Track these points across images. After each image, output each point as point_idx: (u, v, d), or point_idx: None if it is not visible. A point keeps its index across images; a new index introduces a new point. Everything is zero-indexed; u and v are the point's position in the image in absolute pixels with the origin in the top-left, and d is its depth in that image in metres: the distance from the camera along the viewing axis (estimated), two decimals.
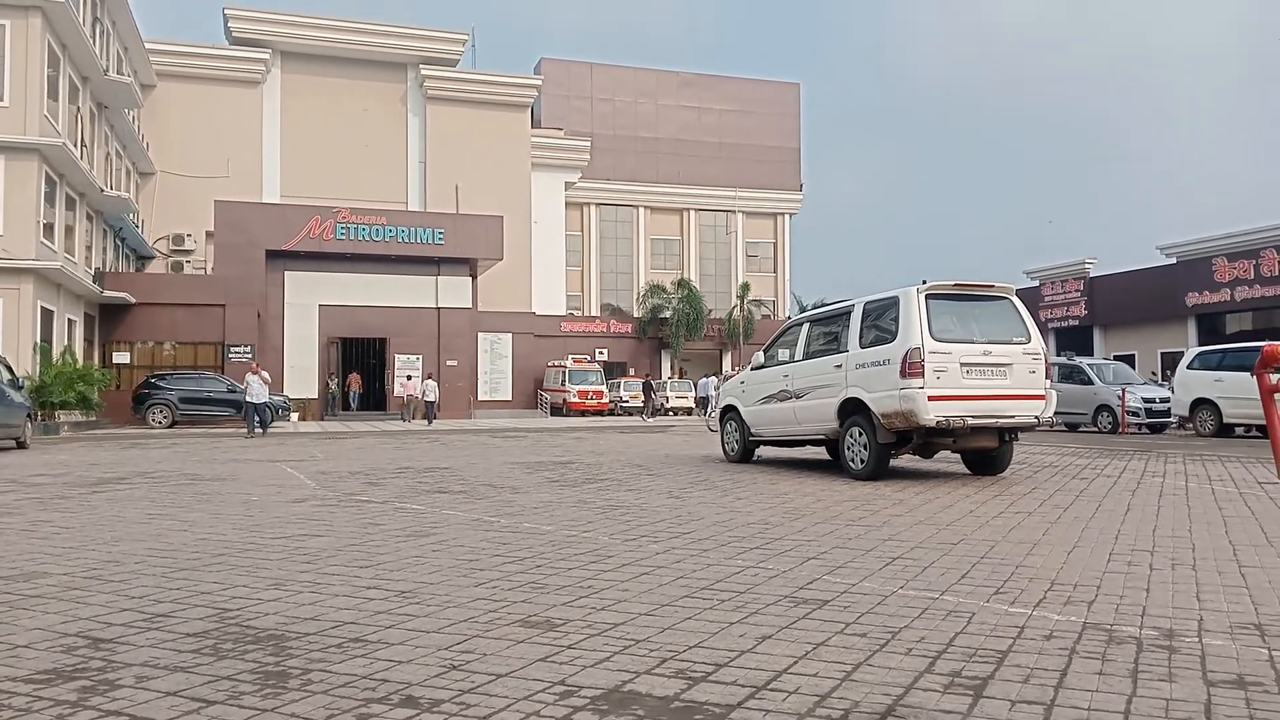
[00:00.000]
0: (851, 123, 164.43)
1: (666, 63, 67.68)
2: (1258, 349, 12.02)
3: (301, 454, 15.29)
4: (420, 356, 34.95)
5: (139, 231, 35.13)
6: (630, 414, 39.86)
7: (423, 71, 42.18)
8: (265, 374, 23.20)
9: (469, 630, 3.70)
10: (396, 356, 34.95)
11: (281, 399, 28.49)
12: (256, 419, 22.92)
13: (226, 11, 40.06)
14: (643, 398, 39.38)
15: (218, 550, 5.71)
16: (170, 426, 26.86)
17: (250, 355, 30.97)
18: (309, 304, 33.95)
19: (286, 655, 3.38)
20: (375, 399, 36.25)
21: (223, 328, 31.41)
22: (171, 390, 27.55)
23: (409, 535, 6.23)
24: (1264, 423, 9.73)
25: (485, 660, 3.27)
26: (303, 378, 33.82)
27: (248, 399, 23.01)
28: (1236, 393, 17.82)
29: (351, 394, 36.14)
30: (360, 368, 36.54)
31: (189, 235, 36.97)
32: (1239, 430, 19.48)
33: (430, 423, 30.60)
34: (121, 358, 31.05)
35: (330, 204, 34.80)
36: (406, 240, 34.31)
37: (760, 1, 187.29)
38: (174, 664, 3.27)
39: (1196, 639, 3.50)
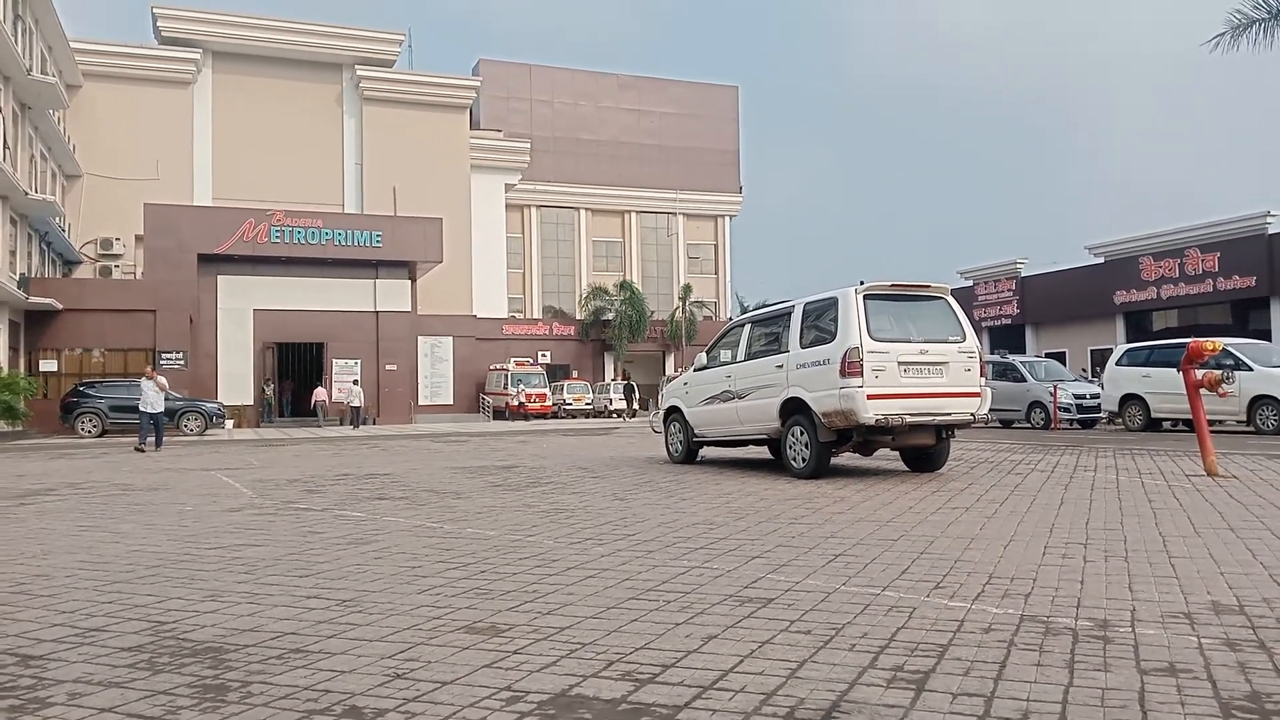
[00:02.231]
0: (792, 125, 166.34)
1: (609, 65, 67.80)
2: (1183, 345, 12.43)
3: (237, 462, 14.99)
4: (359, 361, 34.53)
5: (65, 236, 34.13)
6: (574, 416, 39.81)
7: (358, 72, 41.66)
8: (162, 379, 19.81)
9: (413, 638, 3.66)
10: (334, 361, 34.47)
11: (215, 405, 27.90)
12: (151, 431, 19.35)
13: (155, 10, 39.13)
14: (625, 400, 40.04)
15: (152, 562, 5.58)
16: (100, 436, 26.14)
17: (183, 362, 30.29)
18: (243, 309, 33.32)
19: (225, 667, 3.31)
20: (313, 406, 35.66)
21: (154, 334, 30.65)
22: (101, 398, 26.78)
23: (349, 543, 6.14)
24: (1190, 417, 10.05)
25: (430, 668, 3.24)
26: (238, 384, 33.18)
27: (141, 408, 19.42)
28: (1163, 388, 18.35)
29: (286, 401, 35.59)
30: (297, 373, 35.92)
31: (118, 239, 36.00)
32: (1166, 424, 20.06)
33: (356, 428, 30.36)
34: (49, 366, 30.14)
35: (264, 206, 34.21)
36: (343, 243, 33.86)
37: (703, 5, 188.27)
38: (108, 679, 3.18)
39: (1129, 629, 3.59)
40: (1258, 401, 17.48)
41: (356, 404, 31.84)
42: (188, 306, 31.42)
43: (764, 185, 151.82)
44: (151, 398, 19.16)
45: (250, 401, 33.54)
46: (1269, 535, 5.68)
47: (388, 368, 34.89)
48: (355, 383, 32.77)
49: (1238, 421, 18.02)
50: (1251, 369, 17.62)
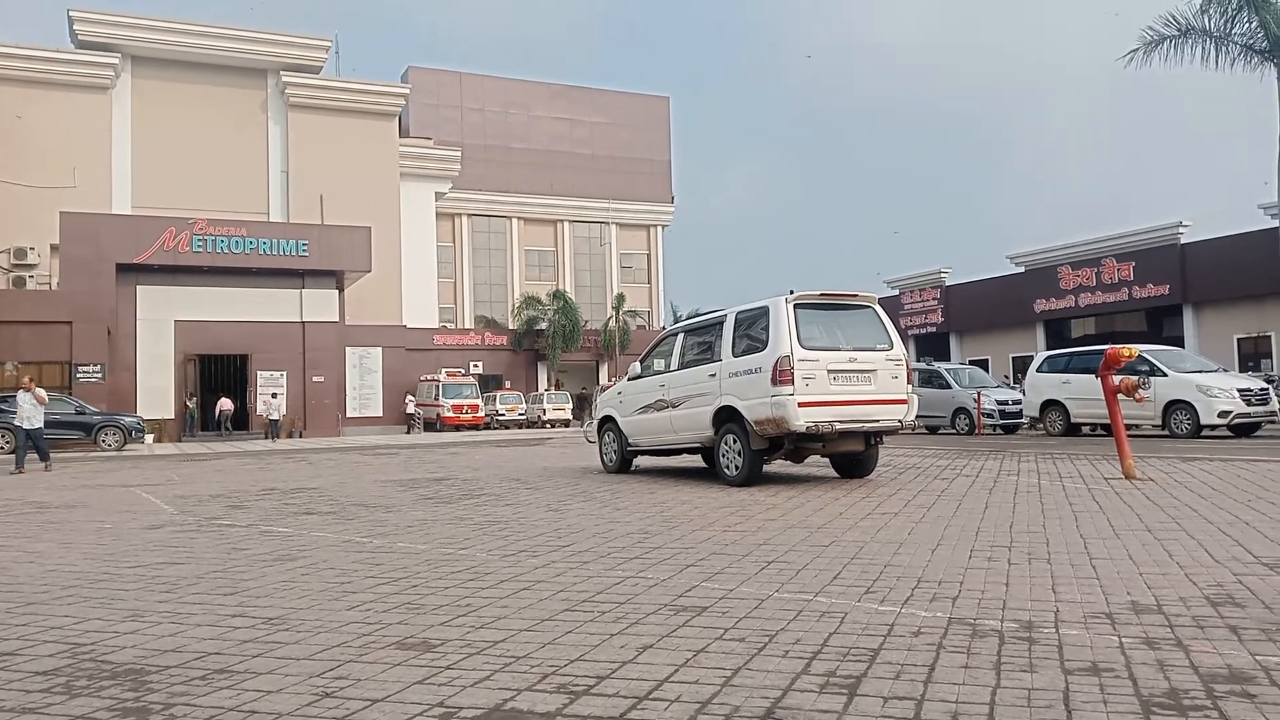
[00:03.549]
0: (727, 138, 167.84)
1: (547, 75, 67.57)
2: (1101, 352, 12.80)
3: (157, 477, 14.57)
4: (284, 373, 33.80)
5: None
6: (507, 427, 39.55)
7: (284, 78, 40.93)
8: (41, 391, 18.15)
9: (342, 655, 3.59)
10: (259, 373, 33.69)
11: (135, 419, 27.07)
12: (28, 450, 17.63)
13: (71, 13, 37.99)
14: (579, 410, 40.62)
15: (68, 582, 5.39)
16: (12, 452, 25.17)
17: (100, 375, 29.34)
18: (164, 320, 32.38)
19: (146, 690, 3.21)
20: (237, 419, 34.81)
21: (70, 346, 29.57)
22: (13, 413, 25.79)
23: (276, 559, 6.00)
24: (1108, 421, 10.35)
25: (360, 685, 3.18)
26: (158, 397, 32.24)
27: (15, 423, 17.79)
28: (1082, 394, 18.88)
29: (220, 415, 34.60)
30: (222, 386, 35.02)
31: (32, 249, 34.68)
32: (1085, 429, 20.64)
33: (274, 441, 29.96)
34: None
35: (186, 215, 33.28)
36: (268, 252, 33.11)
37: (633, 15, 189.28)
38: (21, 705, 3.06)
39: (1054, 630, 3.68)
40: (1172, 406, 18.09)
41: (275, 417, 31.39)
42: (106, 318, 30.45)
43: (699, 196, 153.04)
44: (29, 412, 17.57)
45: (171, 415, 32.64)
46: (1184, 536, 5.87)
47: (314, 379, 34.22)
48: (274, 395, 32.26)
49: (1153, 425, 18.62)
50: (1166, 374, 18.23)
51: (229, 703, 3.04)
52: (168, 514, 9.08)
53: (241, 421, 34.40)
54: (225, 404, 33.53)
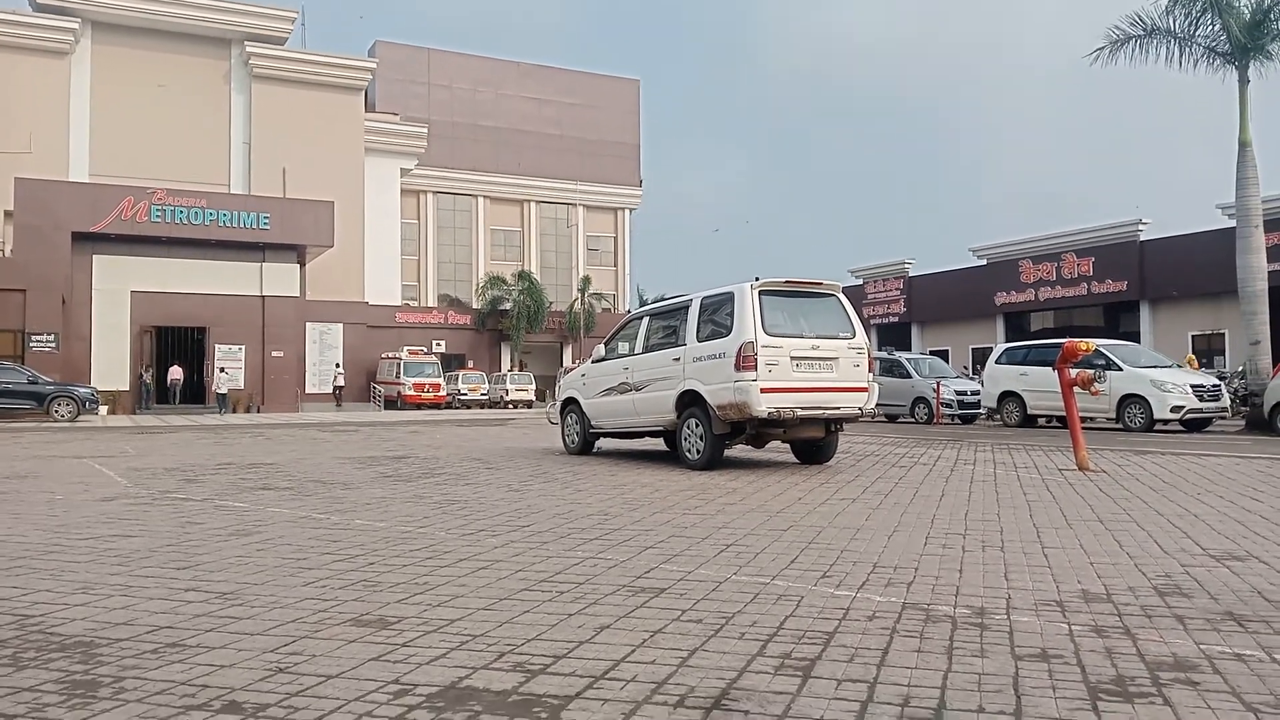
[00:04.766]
0: (697, 124, 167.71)
1: (514, 54, 66.65)
2: (1058, 345, 12.99)
3: (111, 449, 14.34)
4: (243, 347, 33.37)
5: None
6: (469, 407, 39.37)
7: (248, 49, 40.21)
8: None
9: (297, 631, 3.56)
10: (217, 347, 33.24)
11: (89, 390, 26.60)
12: None
13: None
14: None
15: (17, 553, 5.29)
16: None
17: (54, 344, 28.79)
18: (120, 290, 31.83)
19: (96, 663, 3.16)
20: (194, 392, 34.32)
21: (23, 315, 28.96)
22: None
23: (231, 534, 5.94)
24: (1064, 413, 10.52)
25: (314, 661, 3.16)
26: (113, 369, 31.73)
27: None
28: (1039, 386, 19.15)
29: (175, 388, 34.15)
30: (178, 358, 34.50)
31: None
32: (1041, 420, 20.95)
33: (222, 414, 30.19)
34: None
35: (145, 184, 32.68)
36: (229, 224, 32.61)
37: (605, 4, 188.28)
38: None
39: (1005, 616, 3.74)
40: (1127, 400, 18.41)
41: (222, 391, 31.48)
42: (60, 286, 29.85)
43: (669, 179, 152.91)
44: None
45: (126, 387, 32.12)
46: (1134, 527, 5.99)
47: (274, 354, 33.79)
48: (223, 370, 32.00)
49: (1108, 419, 18.95)
50: (1121, 369, 18.54)
51: (180, 676, 3.00)
52: (121, 486, 8.94)
53: (198, 395, 33.96)
54: (176, 372, 33.09)
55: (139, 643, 3.41)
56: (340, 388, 38.63)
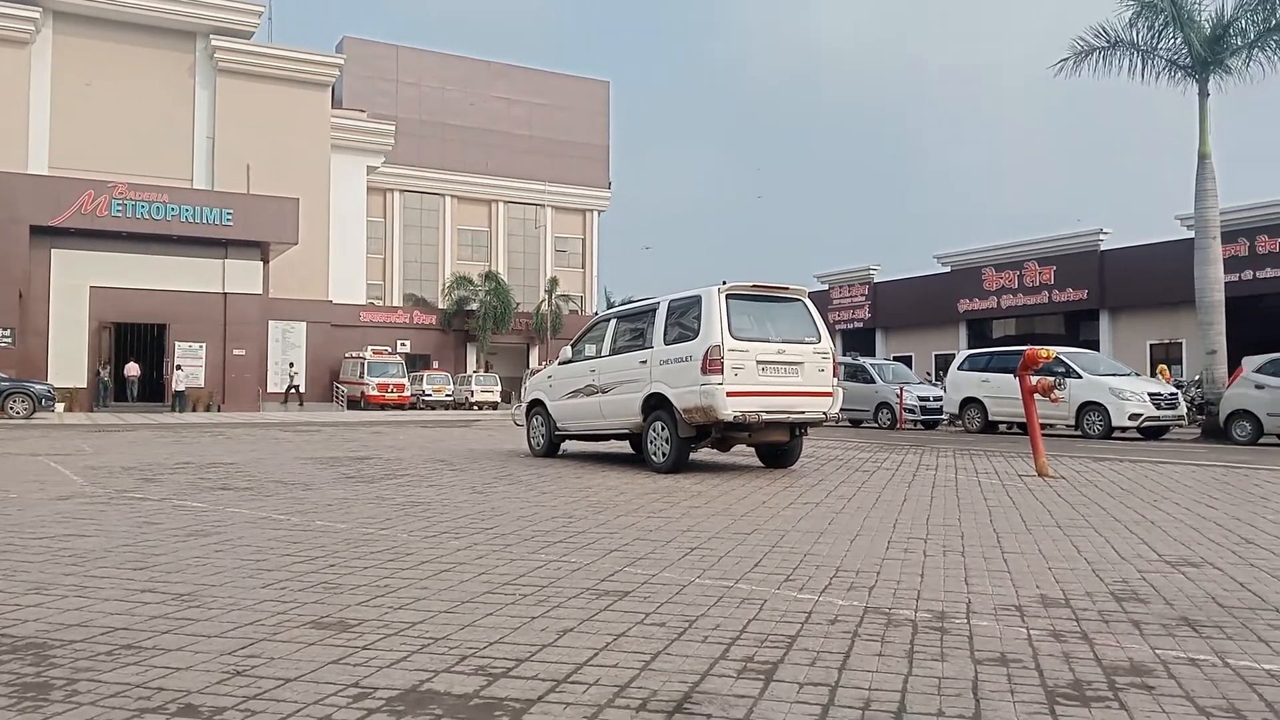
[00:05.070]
0: (668, 128, 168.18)
1: (492, 54, 66.22)
2: (1020, 353, 13.13)
3: (68, 447, 14.09)
4: (204, 344, 32.92)
5: None
6: (433, 408, 39.11)
7: (213, 42, 39.68)
8: None
9: (255, 634, 3.51)
10: (178, 344, 32.77)
11: (45, 387, 26.12)
12: None
13: None
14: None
15: None
16: None
17: (10, 340, 28.25)
18: (79, 285, 31.27)
19: (49, 665, 3.10)
20: (152, 389, 33.81)
21: None
22: None
23: (189, 535, 5.85)
24: (1025, 420, 10.64)
25: (273, 664, 3.12)
26: (71, 365, 31.17)
27: None
28: (1001, 392, 19.38)
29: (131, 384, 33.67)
30: (138, 355, 33.98)
31: None
32: (1002, 427, 21.20)
33: (178, 412, 29.97)
34: None
35: (105, 178, 32.17)
36: (191, 220, 32.16)
37: (578, 4, 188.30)
38: None
39: (965, 621, 3.77)
40: (1086, 407, 18.68)
41: (179, 388, 31.22)
42: (18, 281, 29.31)
43: (639, 182, 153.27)
44: None
45: (84, 384, 31.58)
46: (1092, 533, 6.07)
47: (235, 352, 33.36)
48: (179, 368, 31.70)
49: (1067, 426, 19.20)
50: (1081, 377, 18.81)
51: (135, 679, 2.95)
52: (77, 485, 8.79)
53: (157, 392, 33.47)
54: (133, 369, 32.61)
55: (93, 644, 3.35)
56: (297, 388, 38.17)
